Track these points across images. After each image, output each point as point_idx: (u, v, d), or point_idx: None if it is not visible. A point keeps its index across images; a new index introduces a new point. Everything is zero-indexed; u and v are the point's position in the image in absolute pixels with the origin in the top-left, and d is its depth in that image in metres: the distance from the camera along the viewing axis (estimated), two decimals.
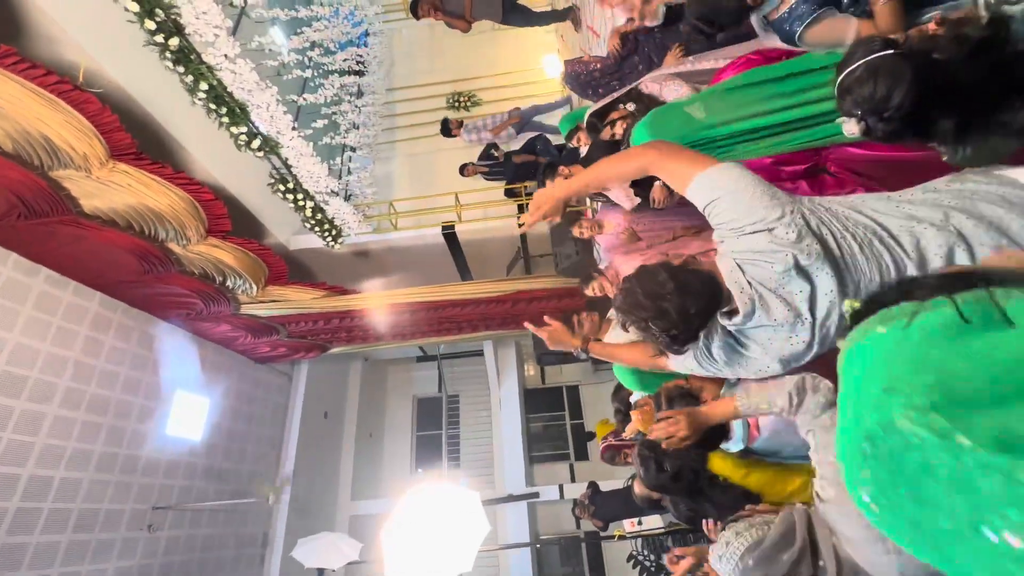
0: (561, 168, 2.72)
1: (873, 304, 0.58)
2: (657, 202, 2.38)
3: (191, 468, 6.21)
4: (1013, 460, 0.37)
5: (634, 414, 1.65)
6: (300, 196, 5.42)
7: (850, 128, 1.06)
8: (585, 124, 2.67)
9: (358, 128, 6.18)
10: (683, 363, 1.26)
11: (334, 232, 5.95)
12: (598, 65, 3.46)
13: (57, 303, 4.87)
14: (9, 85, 3.35)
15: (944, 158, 1.09)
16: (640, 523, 5.31)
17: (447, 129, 6.21)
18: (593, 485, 4.95)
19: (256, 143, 4.68)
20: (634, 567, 5.53)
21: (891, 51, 0.99)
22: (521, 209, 6.13)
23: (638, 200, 2.53)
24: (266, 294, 5.83)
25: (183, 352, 6.22)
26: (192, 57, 3.94)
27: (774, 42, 1.51)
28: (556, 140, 5.69)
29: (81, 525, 4.85)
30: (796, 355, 1.08)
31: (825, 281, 1.01)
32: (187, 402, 6.21)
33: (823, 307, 1.02)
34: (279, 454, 7.86)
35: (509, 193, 6.05)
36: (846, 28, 1.32)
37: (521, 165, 5.74)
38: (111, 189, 4.10)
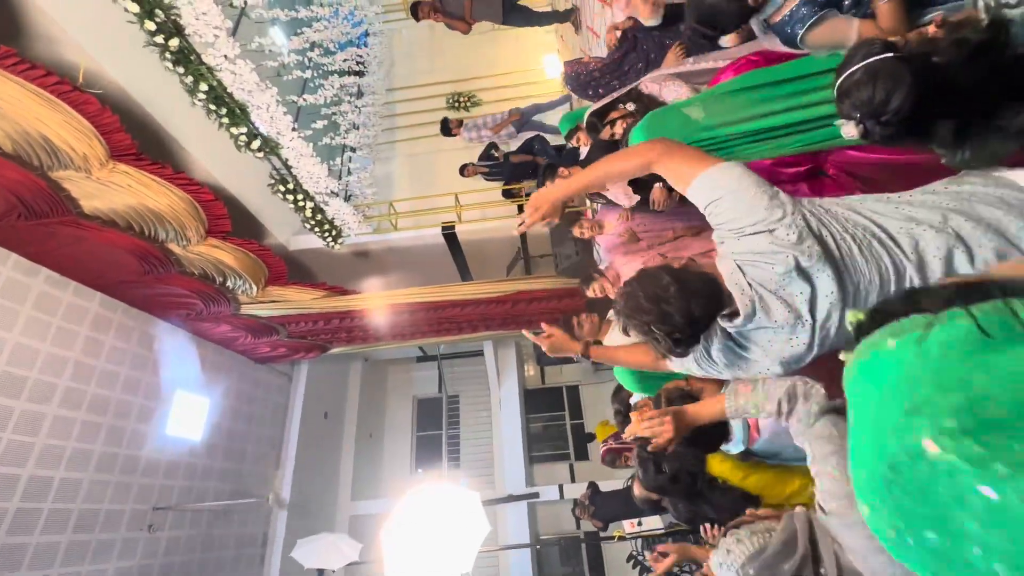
0: (561, 170, 2.72)
1: (879, 316, 0.54)
2: (656, 204, 2.38)
3: (191, 468, 6.22)
4: None
5: (634, 415, 1.65)
6: (300, 197, 5.42)
7: (848, 131, 1.06)
8: (585, 124, 2.67)
9: (358, 128, 6.18)
10: (683, 364, 1.26)
11: (334, 232, 5.95)
12: (598, 65, 3.46)
13: (57, 303, 4.88)
14: (9, 86, 3.35)
15: (943, 161, 1.09)
16: (640, 524, 5.31)
17: (447, 128, 6.21)
18: (593, 485, 4.96)
19: (256, 144, 4.68)
20: (634, 567, 5.53)
21: (890, 54, 0.99)
22: (521, 210, 6.13)
23: (637, 198, 2.53)
24: (266, 294, 5.83)
25: (183, 352, 6.22)
26: (192, 58, 3.94)
27: (775, 44, 1.51)
28: (555, 140, 5.69)
29: (81, 525, 4.85)
30: (796, 357, 1.08)
31: (825, 283, 1.01)
32: (187, 402, 6.21)
33: (823, 309, 1.02)
34: (279, 454, 7.86)
35: (507, 194, 6.06)
36: (848, 29, 1.31)
37: (518, 165, 5.75)
38: (111, 190, 4.10)
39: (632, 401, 2.15)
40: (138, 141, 4.08)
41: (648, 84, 2.35)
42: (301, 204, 5.47)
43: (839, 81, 1.06)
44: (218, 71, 4.09)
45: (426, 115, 7.18)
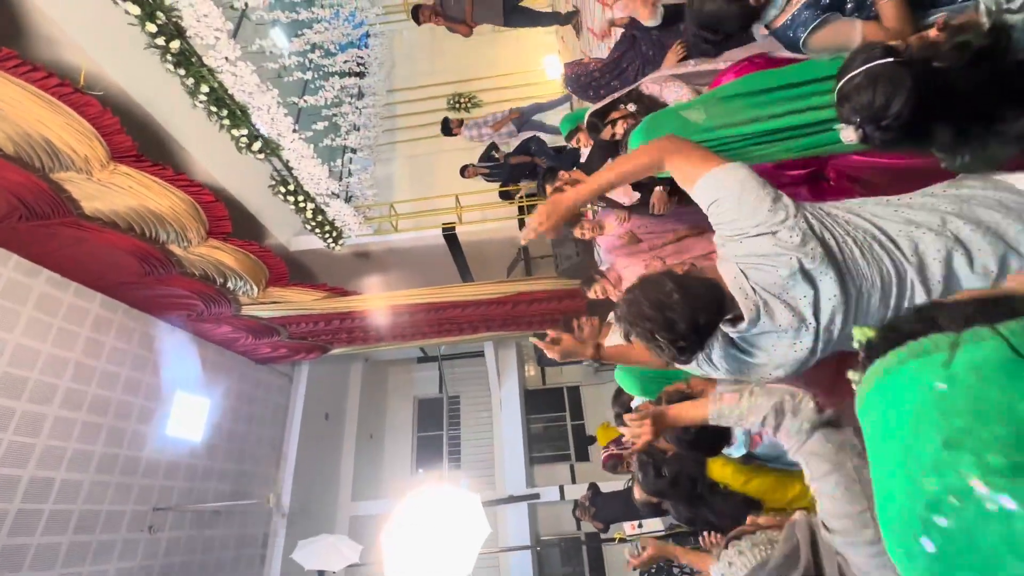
0: (561, 172, 2.71)
1: (892, 334, 0.49)
2: (656, 208, 2.37)
3: (191, 469, 6.22)
4: None
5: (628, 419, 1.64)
6: (301, 198, 5.42)
7: (848, 135, 1.05)
8: (586, 124, 2.66)
9: (359, 130, 6.19)
10: (688, 364, 1.25)
11: (335, 234, 5.96)
12: (597, 66, 3.46)
13: (58, 304, 4.88)
14: (10, 88, 3.36)
15: (943, 164, 1.09)
16: (641, 526, 5.31)
17: (447, 128, 6.21)
18: (594, 487, 4.95)
19: (257, 145, 4.68)
20: (634, 568, 5.52)
21: (891, 59, 0.99)
22: (522, 211, 6.13)
23: (637, 195, 2.52)
24: (267, 295, 5.84)
25: (184, 353, 6.23)
26: (193, 60, 3.94)
27: (776, 49, 1.51)
28: (556, 141, 5.68)
29: (82, 526, 4.85)
30: (800, 360, 1.07)
31: (829, 285, 1.01)
32: (188, 403, 6.21)
33: (827, 312, 1.02)
34: (279, 455, 7.87)
35: (504, 195, 6.05)
36: (851, 32, 1.31)
37: (516, 166, 5.75)
38: (112, 191, 4.10)
39: (633, 404, 2.15)
40: (139, 143, 4.08)
41: (649, 85, 2.35)
42: (302, 205, 5.47)
43: (839, 85, 1.06)
44: (219, 73, 4.10)
45: (427, 116, 7.18)
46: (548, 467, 9.94)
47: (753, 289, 1.04)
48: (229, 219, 4.96)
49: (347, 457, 9.29)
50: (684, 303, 1.02)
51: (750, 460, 1.66)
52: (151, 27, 3.63)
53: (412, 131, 7.29)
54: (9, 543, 4.22)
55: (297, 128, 4.93)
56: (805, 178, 1.72)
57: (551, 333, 1.61)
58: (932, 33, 1.08)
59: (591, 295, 3.17)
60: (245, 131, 4.54)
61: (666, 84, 2.27)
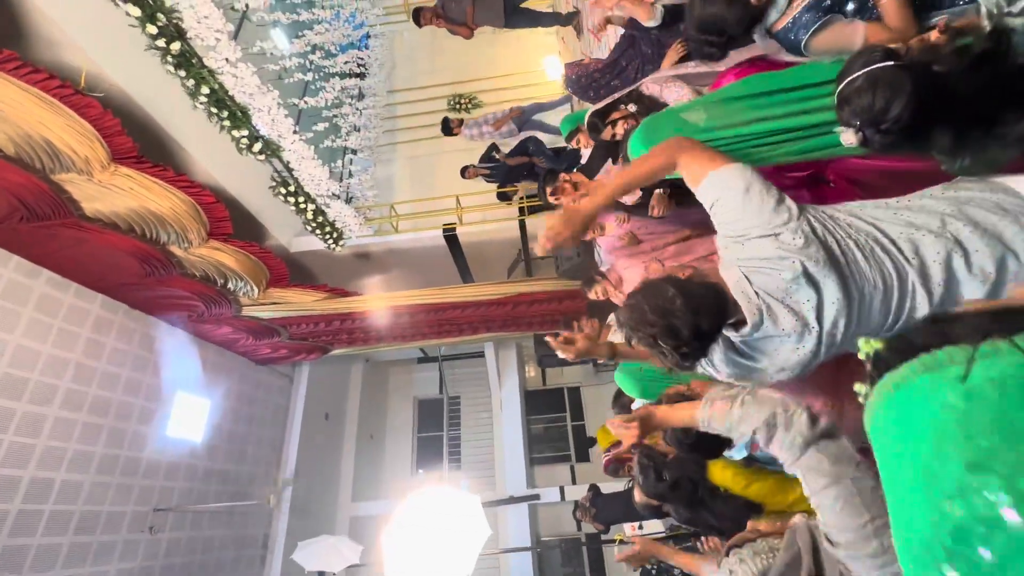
0: (562, 175, 2.71)
1: (902, 346, 0.47)
2: (655, 210, 2.37)
3: (192, 470, 6.22)
4: None
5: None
6: (301, 199, 5.43)
7: (848, 138, 1.05)
8: (586, 124, 2.66)
9: (359, 131, 6.19)
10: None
11: (335, 235, 5.96)
12: (597, 66, 3.46)
13: (58, 305, 4.88)
14: (11, 89, 3.36)
15: (943, 167, 1.08)
16: (641, 527, 5.31)
17: (447, 128, 6.20)
18: (594, 488, 4.94)
19: (257, 146, 4.68)
20: (635, 569, 5.52)
21: (891, 62, 0.99)
22: (522, 212, 6.13)
23: (639, 193, 2.51)
24: (267, 296, 5.84)
25: (184, 354, 6.23)
26: (194, 61, 3.94)
27: (777, 52, 1.50)
28: (556, 141, 5.68)
29: (82, 527, 4.85)
30: (802, 363, 1.07)
31: (831, 289, 1.01)
32: (188, 404, 6.22)
33: (830, 315, 1.02)
34: (280, 456, 7.87)
35: (502, 196, 6.05)
36: (853, 34, 1.30)
37: (514, 167, 5.74)
38: (112, 192, 4.11)
39: (634, 407, 2.15)
40: (139, 144, 4.09)
41: (649, 85, 2.34)
42: (302, 206, 5.48)
43: (839, 88, 1.06)
44: (220, 74, 4.10)
45: (427, 117, 7.18)
46: (548, 468, 9.93)
47: (756, 293, 1.04)
48: (230, 220, 4.96)
49: (347, 458, 9.29)
50: (687, 309, 1.01)
51: (751, 463, 1.65)
52: (152, 29, 3.63)
53: (412, 132, 7.29)
54: (10, 544, 4.22)
55: (298, 129, 4.93)
56: (806, 180, 1.72)
57: (565, 334, 1.58)
58: (933, 36, 1.08)
59: (591, 296, 3.17)
60: (246, 132, 4.54)
61: (667, 84, 2.27)
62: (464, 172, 6.02)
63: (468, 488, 7.42)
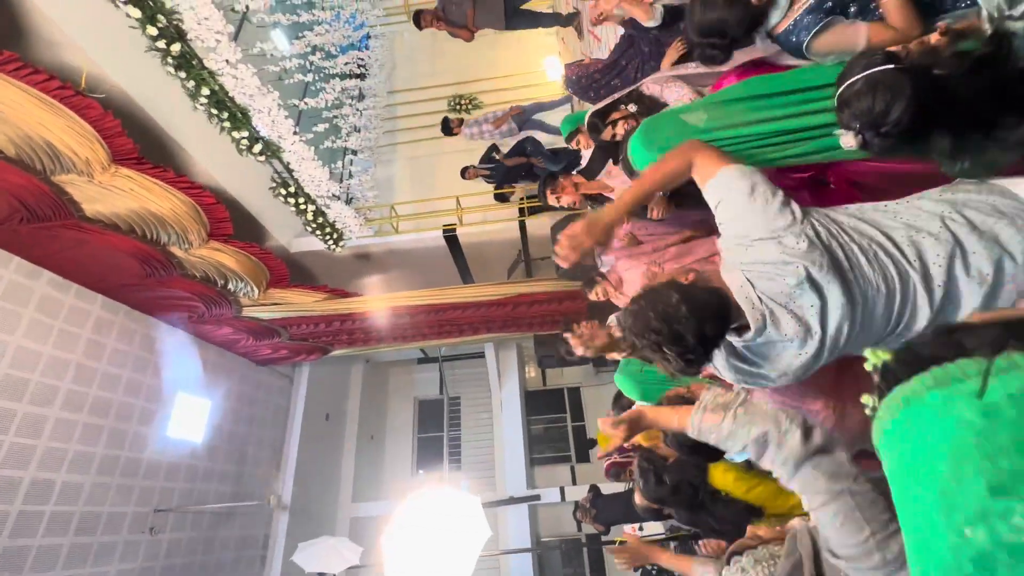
0: (562, 178, 2.71)
1: (911, 358, 0.45)
2: (653, 212, 2.37)
3: (192, 470, 6.22)
4: None
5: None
6: (302, 200, 5.43)
7: (847, 141, 1.05)
8: (586, 124, 2.66)
9: (359, 131, 6.19)
10: None
11: (335, 235, 5.96)
12: (597, 67, 3.46)
13: (59, 306, 4.88)
14: (11, 90, 3.36)
15: (942, 170, 1.08)
16: (642, 528, 5.30)
17: (448, 127, 6.20)
18: (594, 488, 4.94)
19: (258, 147, 4.68)
20: (635, 570, 5.52)
21: (891, 65, 0.99)
22: (522, 212, 6.13)
23: None
24: (268, 297, 5.84)
25: (185, 354, 6.23)
26: (194, 63, 3.95)
27: (777, 55, 1.50)
28: (556, 141, 5.67)
29: (83, 528, 4.85)
30: (804, 368, 1.07)
31: (835, 293, 1.01)
32: (188, 404, 6.22)
33: (834, 321, 1.02)
34: (280, 456, 7.87)
35: (500, 197, 6.04)
36: (855, 35, 1.30)
37: (512, 168, 5.74)
38: (113, 193, 4.11)
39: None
40: (140, 145, 4.09)
41: (650, 85, 2.34)
42: (303, 207, 5.48)
43: (839, 91, 1.06)
44: (220, 75, 4.10)
45: (427, 117, 7.18)
46: (549, 468, 9.93)
47: (760, 299, 1.03)
48: (230, 221, 4.96)
49: (348, 458, 9.30)
50: (691, 315, 1.00)
51: (752, 466, 1.65)
52: (152, 30, 3.63)
53: (413, 132, 7.29)
54: (10, 545, 4.23)
55: (298, 130, 4.93)
56: (807, 182, 1.72)
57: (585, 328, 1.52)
58: (933, 38, 1.08)
59: (592, 297, 3.17)
60: (246, 133, 4.54)
61: (667, 85, 2.26)
62: (464, 173, 6.02)
63: (468, 489, 7.42)
